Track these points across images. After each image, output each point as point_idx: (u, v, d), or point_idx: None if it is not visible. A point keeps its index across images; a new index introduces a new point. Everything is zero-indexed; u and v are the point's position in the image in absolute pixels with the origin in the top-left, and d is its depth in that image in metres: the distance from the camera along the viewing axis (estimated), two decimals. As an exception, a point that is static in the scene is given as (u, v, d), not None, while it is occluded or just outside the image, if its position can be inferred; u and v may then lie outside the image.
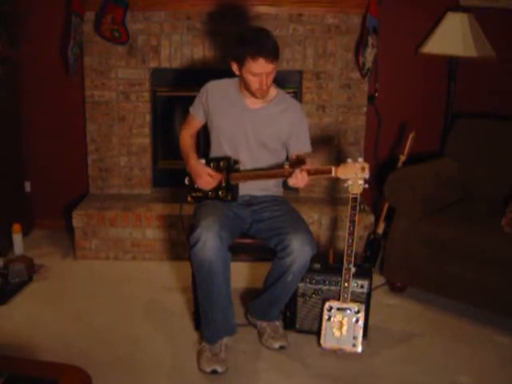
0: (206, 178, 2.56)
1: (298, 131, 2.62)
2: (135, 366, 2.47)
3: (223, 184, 2.58)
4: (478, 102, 3.61)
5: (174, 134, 3.62)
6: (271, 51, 2.37)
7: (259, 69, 2.37)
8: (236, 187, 2.59)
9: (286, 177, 2.42)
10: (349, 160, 2.37)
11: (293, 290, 2.57)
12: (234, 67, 2.47)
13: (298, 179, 2.35)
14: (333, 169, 2.36)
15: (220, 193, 2.58)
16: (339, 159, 3.48)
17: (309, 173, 2.37)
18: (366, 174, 2.35)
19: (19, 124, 3.64)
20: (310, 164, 2.43)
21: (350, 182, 2.39)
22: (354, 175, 2.36)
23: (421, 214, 2.94)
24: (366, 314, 2.60)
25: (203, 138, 2.87)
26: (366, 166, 2.35)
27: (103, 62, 3.47)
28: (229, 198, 2.57)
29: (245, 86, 2.50)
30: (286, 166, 2.70)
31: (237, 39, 2.43)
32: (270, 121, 2.58)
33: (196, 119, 2.72)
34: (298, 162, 2.49)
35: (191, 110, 2.72)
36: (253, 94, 2.50)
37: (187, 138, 2.74)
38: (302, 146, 2.64)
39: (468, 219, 2.92)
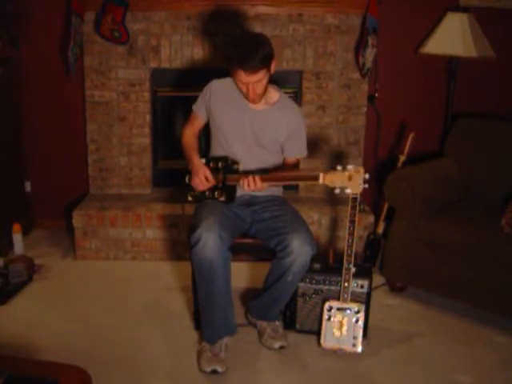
0: (202, 178, 2.55)
1: (295, 137, 2.63)
2: (135, 366, 2.47)
3: (219, 185, 2.57)
4: (478, 102, 3.61)
5: (175, 134, 3.63)
6: (252, 64, 2.34)
7: (242, 80, 2.40)
8: (233, 188, 2.56)
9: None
10: (338, 167, 2.36)
11: (293, 290, 2.57)
12: (230, 72, 2.49)
13: (250, 184, 2.42)
14: (320, 175, 2.36)
15: (216, 193, 2.56)
16: (338, 160, 3.49)
17: (294, 179, 2.37)
18: (358, 181, 2.33)
19: (19, 124, 3.64)
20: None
21: (337, 191, 2.36)
22: (340, 183, 2.35)
23: (421, 213, 2.94)
24: (366, 314, 2.60)
25: (204, 138, 2.87)
26: (357, 174, 2.33)
27: (103, 62, 3.47)
28: (223, 199, 2.54)
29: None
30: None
31: (228, 47, 2.46)
32: (269, 124, 2.58)
33: (198, 117, 2.71)
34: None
35: (194, 108, 2.72)
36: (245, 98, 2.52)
37: (190, 136, 2.73)
38: (296, 151, 2.67)
39: (468, 219, 2.92)
